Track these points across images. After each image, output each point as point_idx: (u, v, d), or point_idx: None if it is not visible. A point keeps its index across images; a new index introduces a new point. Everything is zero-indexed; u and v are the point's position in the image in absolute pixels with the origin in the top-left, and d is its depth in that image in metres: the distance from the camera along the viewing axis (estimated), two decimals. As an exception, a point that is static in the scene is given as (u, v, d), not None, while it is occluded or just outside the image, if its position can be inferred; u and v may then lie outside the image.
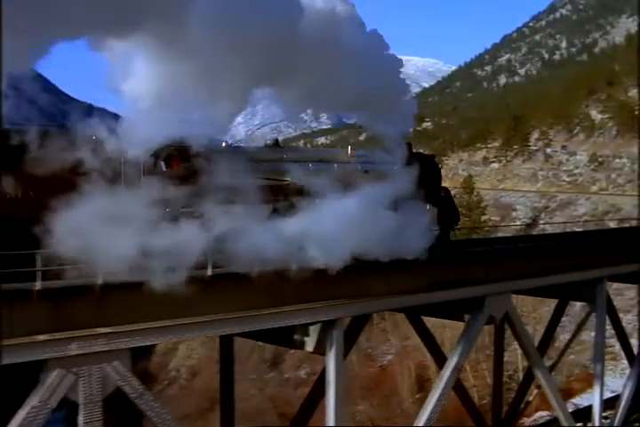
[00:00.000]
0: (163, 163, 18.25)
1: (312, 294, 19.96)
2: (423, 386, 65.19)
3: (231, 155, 18.36)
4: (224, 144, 20.06)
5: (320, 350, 20.49)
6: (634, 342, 43.54)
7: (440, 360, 28.05)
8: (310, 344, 20.58)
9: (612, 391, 57.87)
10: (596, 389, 32.31)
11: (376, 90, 19.55)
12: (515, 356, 62.65)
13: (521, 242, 33.02)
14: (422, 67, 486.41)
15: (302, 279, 18.63)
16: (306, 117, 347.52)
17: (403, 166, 22.09)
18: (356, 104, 20.01)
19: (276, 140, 22.25)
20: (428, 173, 24.29)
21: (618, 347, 55.19)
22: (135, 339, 15.31)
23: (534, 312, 63.46)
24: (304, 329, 20.42)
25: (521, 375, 59.67)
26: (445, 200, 25.97)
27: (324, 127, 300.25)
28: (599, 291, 29.97)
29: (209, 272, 17.08)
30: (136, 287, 15.16)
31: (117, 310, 15.46)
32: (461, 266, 24.43)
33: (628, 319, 58.69)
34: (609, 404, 35.20)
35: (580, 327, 34.90)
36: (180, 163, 18.32)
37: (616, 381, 58.12)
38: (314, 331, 20.39)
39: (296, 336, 20.65)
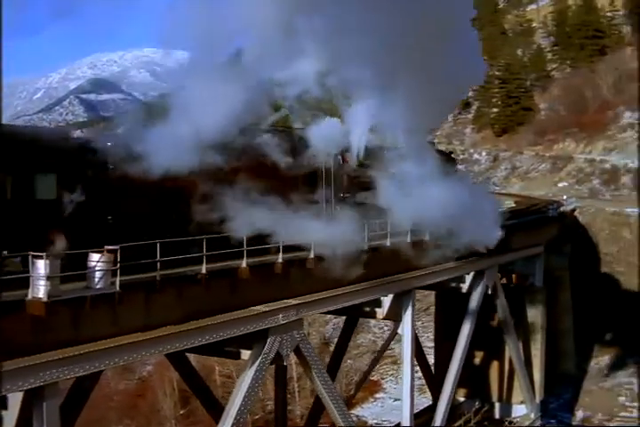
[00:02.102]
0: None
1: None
2: (188, 401, 58.73)
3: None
4: None
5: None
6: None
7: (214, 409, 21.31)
8: (10, 423, 13.29)
9: (395, 400, 54.47)
10: (406, 409, 27.08)
11: None
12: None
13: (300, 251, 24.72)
14: (181, 60, 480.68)
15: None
16: (61, 110, 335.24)
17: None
18: None
19: None
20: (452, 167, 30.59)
21: (398, 350, 51.71)
22: None
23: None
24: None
25: (296, 385, 55.05)
26: None
27: (81, 120, 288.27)
28: (405, 304, 24.36)
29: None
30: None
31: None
32: (230, 286, 17.82)
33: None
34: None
35: (387, 344, 29.62)
36: None
37: (399, 387, 54.20)
38: (14, 403, 13.04)
39: (-11, 411, 13.33)
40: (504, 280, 37.83)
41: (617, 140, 76.76)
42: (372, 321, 58.75)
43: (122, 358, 14.59)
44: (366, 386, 54.92)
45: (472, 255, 28.48)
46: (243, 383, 17.92)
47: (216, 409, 26.06)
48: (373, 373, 57.73)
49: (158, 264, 15.75)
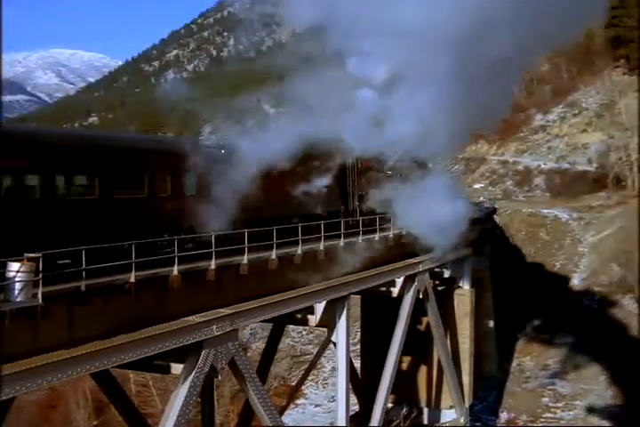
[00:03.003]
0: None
1: None
2: (102, 411, 56.50)
3: None
4: None
5: None
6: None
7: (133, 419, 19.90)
8: None
9: (316, 405, 53.52)
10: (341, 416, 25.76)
11: None
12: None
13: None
14: (88, 61, 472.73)
15: None
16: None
17: None
18: None
19: None
20: None
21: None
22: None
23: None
24: None
25: (215, 393, 53.41)
26: None
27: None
28: (339, 311, 23.44)
29: None
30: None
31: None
32: (160, 296, 16.50)
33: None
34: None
35: (321, 352, 28.67)
36: None
37: (319, 393, 53.43)
38: None
39: None
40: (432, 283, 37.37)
41: (529, 142, 77.67)
42: (291, 326, 57.72)
43: (45, 379, 13.10)
44: (286, 392, 53.92)
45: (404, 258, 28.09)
46: (176, 401, 16.48)
47: (135, 420, 24.84)
48: (293, 378, 56.72)
49: (84, 273, 14.44)
